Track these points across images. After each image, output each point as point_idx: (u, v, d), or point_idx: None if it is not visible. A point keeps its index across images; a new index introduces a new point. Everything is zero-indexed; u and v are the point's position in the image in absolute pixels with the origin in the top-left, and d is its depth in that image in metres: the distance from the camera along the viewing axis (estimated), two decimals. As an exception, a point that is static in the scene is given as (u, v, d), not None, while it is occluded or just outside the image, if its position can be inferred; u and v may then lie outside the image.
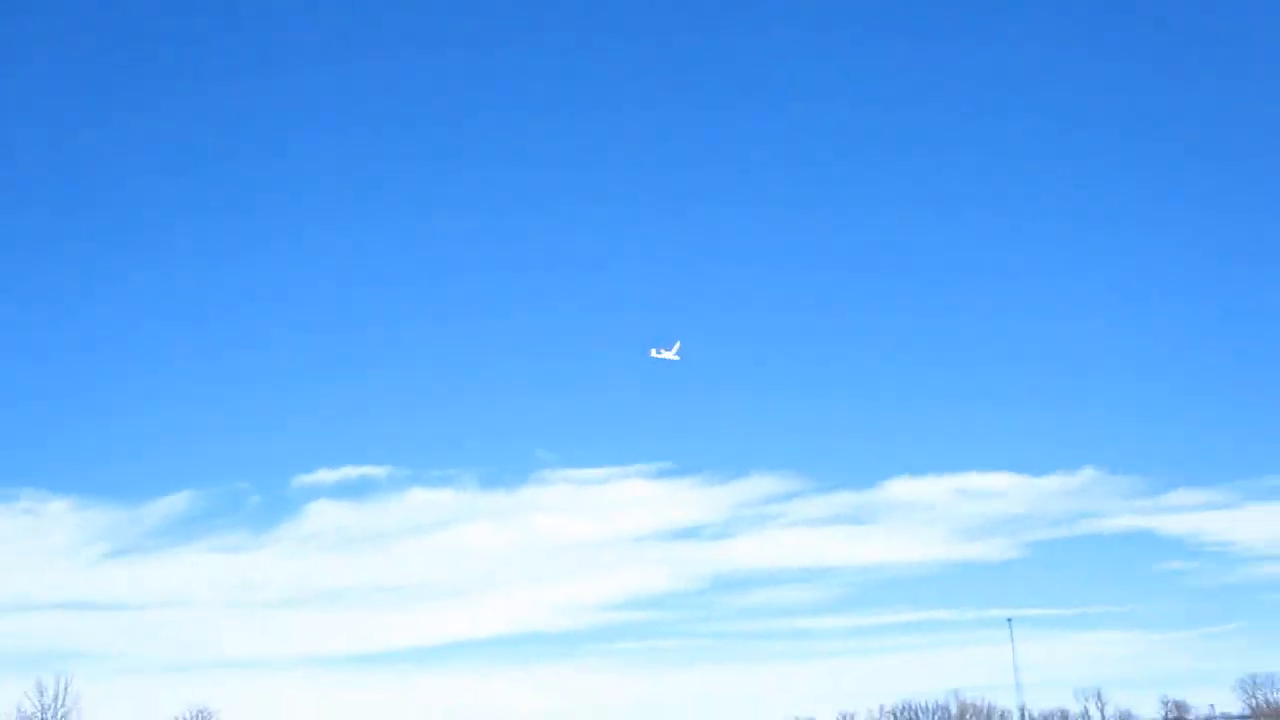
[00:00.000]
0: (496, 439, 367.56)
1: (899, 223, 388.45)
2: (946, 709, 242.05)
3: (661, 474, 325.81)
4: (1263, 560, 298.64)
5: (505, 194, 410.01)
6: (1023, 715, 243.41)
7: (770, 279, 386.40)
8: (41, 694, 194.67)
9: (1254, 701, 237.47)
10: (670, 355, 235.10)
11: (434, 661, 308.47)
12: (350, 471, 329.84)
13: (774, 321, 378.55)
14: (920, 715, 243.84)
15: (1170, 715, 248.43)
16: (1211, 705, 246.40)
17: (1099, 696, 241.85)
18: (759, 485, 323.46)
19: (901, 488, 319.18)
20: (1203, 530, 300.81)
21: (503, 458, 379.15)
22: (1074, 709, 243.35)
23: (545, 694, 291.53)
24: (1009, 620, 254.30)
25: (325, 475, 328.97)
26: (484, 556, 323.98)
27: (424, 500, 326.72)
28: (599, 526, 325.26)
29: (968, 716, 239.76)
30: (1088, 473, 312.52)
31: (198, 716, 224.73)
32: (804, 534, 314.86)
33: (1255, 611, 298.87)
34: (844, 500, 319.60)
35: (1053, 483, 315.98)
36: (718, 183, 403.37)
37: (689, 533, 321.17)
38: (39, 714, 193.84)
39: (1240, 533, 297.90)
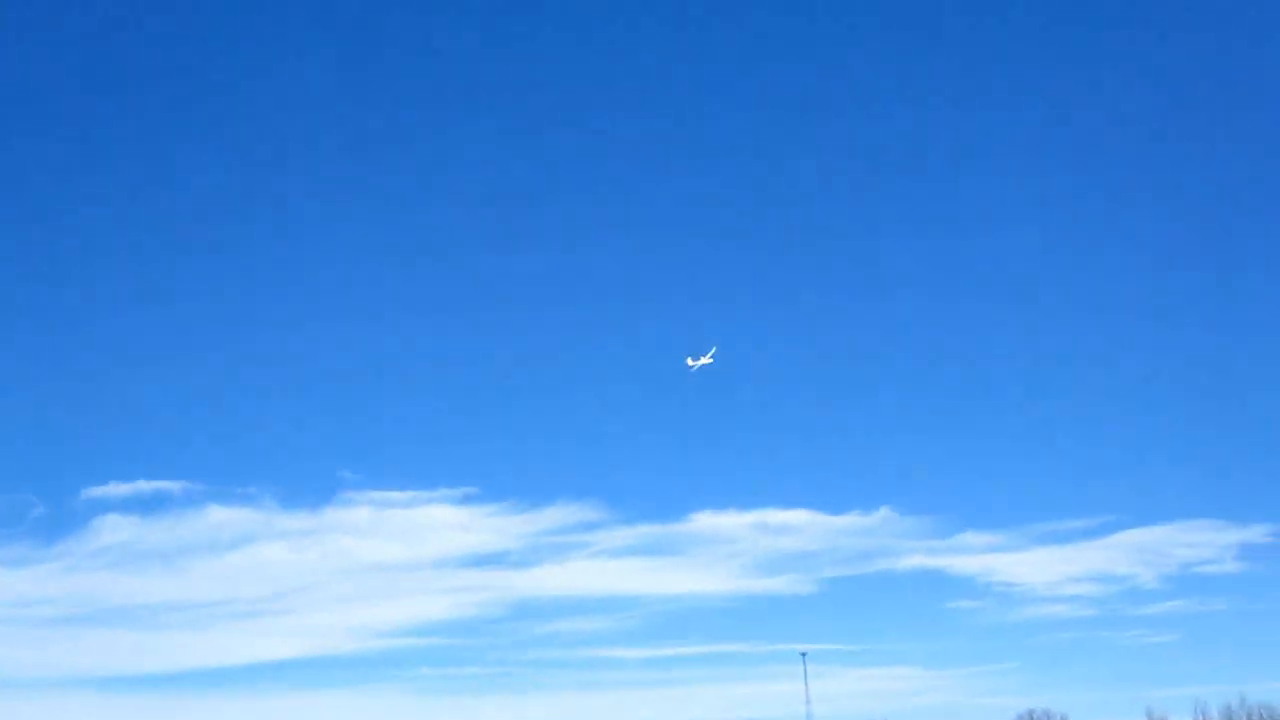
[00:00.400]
0: (299, 457, 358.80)
1: (699, 256, 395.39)
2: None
3: (466, 499, 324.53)
4: (1042, 601, 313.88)
5: (324, 199, 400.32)
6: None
7: (578, 310, 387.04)
8: None
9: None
10: (706, 360, 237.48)
11: (226, 683, 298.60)
12: (143, 485, 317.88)
13: (580, 352, 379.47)
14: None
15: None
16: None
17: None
18: (563, 514, 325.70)
19: (704, 521, 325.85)
20: (989, 571, 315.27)
21: (305, 476, 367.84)
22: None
23: (340, 719, 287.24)
24: (803, 654, 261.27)
25: (116, 489, 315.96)
26: (281, 577, 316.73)
27: (221, 518, 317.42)
28: (401, 550, 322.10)
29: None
30: (883, 512, 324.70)
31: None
32: (606, 564, 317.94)
33: (1034, 649, 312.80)
34: (647, 532, 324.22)
35: (849, 521, 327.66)
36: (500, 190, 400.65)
37: (491, 559, 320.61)
38: None
39: (1023, 574, 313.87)
